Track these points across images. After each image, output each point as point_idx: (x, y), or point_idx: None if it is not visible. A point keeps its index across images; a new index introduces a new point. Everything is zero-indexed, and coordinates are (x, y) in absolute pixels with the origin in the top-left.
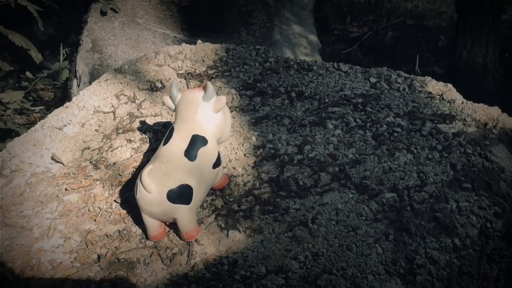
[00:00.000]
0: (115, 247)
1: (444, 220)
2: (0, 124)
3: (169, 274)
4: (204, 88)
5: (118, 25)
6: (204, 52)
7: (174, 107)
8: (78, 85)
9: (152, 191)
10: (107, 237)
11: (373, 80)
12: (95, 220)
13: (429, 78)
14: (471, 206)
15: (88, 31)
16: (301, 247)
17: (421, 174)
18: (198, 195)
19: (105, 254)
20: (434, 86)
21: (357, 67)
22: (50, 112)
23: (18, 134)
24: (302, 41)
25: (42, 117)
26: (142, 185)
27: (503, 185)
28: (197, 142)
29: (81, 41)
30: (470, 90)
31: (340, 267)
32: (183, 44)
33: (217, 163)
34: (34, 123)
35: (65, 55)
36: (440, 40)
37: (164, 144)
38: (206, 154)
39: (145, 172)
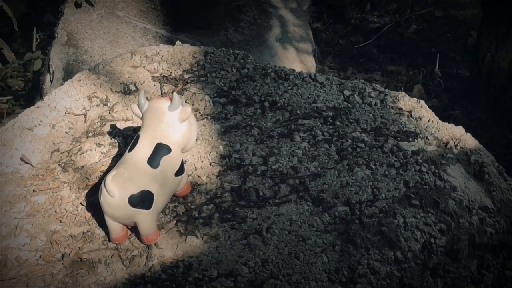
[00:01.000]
0: (79, 247)
1: (389, 234)
2: None
3: (127, 274)
4: (171, 98)
5: (96, 18)
6: (182, 54)
7: (141, 115)
8: (51, 81)
9: (115, 195)
10: (72, 237)
11: (347, 93)
12: (61, 221)
13: (403, 93)
14: (417, 222)
15: (64, 23)
16: (253, 254)
17: (375, 190)
18: (159, 201)
19: (69, 254)
20: (406, 102)
21: (334, 78)
22: (19, 103)
23: None
24: (295, 41)
25: (10, 108)
26: (106, 190)
27: (452, 204)
28: (160, 150)
29: (56, 34)
30: (493, 95)
31: (286, 273)
32: (161, 45)
33: (180, 171)
34: (1, 114)
35: (38, 40)
36: (470, 37)
37: (129, 150)
38: (169, 162)
39: (109, 177)
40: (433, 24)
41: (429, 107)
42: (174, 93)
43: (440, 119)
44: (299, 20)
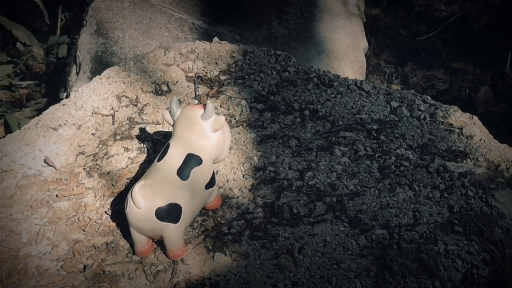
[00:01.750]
0: (102, 259)
1: (428, 262)
2: None
3: None
4: (204, 106)
5: (129, 6)
6: (219, 53)
7: (172, 122)
8: (77, 73)
9: (142, 207)
10: (95, 248)
11: (394, 104)
12: (84, 230)
13: (455, 108)
14: (459, 250)
15: (93, 10)
16: (283, 276)
17: (416, 213)
18: (187, 215)
19: (91, 265)
20: (458, 117)
21: (381, 87)
22: (39, 89)
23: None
24: (345, 38)
25: (30, 94)
26: (132, 200)
27: (498, 232)
28: (191, 161)
29: (84, 22)
30: None
31: None
32: (197, 41)
33: (210, 184)
34: (20, 100)
35: (63, 21)
36: None
37: (159, 160)
38: (200, 174)
39: (136, 188)
40: (508, 16)
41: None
42: (208, 101)
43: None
44: (351, 14)
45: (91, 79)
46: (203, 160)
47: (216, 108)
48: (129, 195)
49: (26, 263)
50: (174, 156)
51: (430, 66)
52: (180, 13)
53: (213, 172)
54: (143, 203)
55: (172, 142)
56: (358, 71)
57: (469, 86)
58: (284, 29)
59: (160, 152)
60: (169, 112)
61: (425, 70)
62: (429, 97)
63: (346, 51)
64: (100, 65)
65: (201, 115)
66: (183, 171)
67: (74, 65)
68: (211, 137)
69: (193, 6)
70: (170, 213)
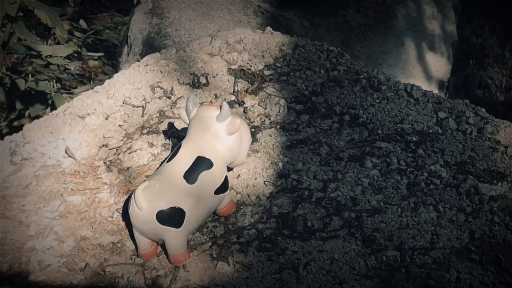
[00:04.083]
0: (105, 258)
1: None
2: (30, 84)
3: None
4: (220, 107)
5: None
6: (268, 45)
7: (188, 122)
8: (128, 54)
9: (143, 208)
10: (100, 247)
11: (442, 115)
12: (92, 228)
13: (508, 123)
14: (472, 279)
15: None
16: None
17: (434, 237)
18: (191, 220)
19: (92, 264)
20: (508, 134)
21: (433, 94)
22: (111, 63)
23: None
24: (433, 29)
25: (100, 68)
26: (135, 201)
27: None
28: (200, 164)
29: None
30: None
31: None
32: (247, 31)
33: (221, 189)
34: (89, 73)
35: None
36: None
37: (168, 161)
38: (209, 178)
39: (140, 189)
40: None
41: None
42: (224, 102)
43: None
44: (440, 3)
45: None
46: (213, 164)
47: (246, 109)
48: (132, 195)
49: (29, 257)
50: (183, 158)
51: None
52: None
53: (226, 177)
54: (145, 204)
55: (184, 143)
56: (441, 70)
57: None
58: (361, 17)
59: (171, 153)
60: (186, 110)
61: None
62: (483, 109)
63: (430, 45)
64: (151, 47)
65: (216, 116)
66: (191, 175)
67: (126, 46)
68: (226, 140)
69: None
70: (171, 217)
